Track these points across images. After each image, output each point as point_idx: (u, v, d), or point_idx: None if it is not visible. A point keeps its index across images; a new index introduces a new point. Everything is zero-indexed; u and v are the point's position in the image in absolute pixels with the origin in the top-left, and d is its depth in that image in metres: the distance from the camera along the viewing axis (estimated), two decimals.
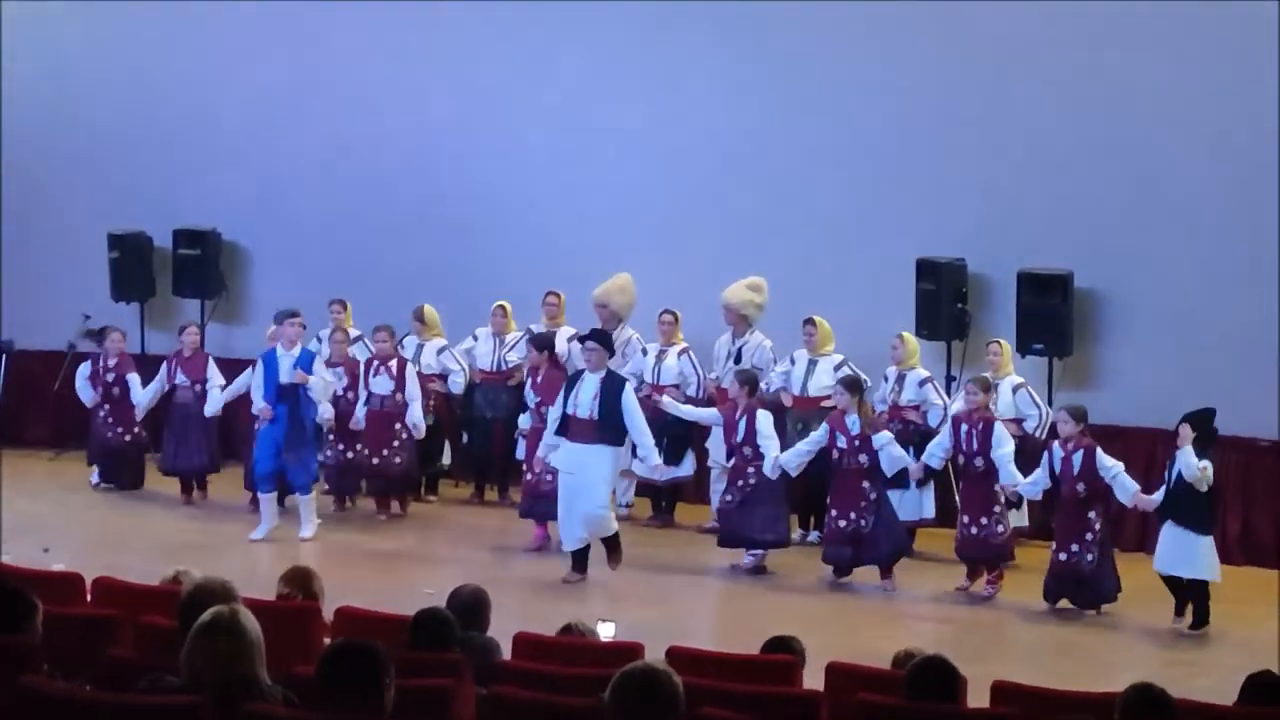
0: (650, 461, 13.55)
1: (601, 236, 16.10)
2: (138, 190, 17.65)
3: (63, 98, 17.82)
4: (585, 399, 12.91)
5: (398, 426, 14.87)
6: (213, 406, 15.20)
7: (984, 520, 13.10)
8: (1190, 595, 12.45)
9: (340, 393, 14.93)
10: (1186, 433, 12.37)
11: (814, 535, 14.50)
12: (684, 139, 16.10)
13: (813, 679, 8.06)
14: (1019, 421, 14.03)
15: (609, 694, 5.28)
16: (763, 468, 13.37)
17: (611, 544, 13.16)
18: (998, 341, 14.35)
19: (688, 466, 14.94)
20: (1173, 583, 12.52)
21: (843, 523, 13.23)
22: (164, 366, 15.53)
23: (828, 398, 14.36)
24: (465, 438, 15.67)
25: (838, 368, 14.57)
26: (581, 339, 13.61)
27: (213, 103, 17.58)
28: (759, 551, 13.65)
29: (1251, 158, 14.22)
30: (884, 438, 13.20)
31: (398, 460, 14.92)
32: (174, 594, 7.71)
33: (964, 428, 13.20)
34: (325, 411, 14.91)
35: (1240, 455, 14.28)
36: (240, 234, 17.68)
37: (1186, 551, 12.39)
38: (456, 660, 7.11)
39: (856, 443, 13.19)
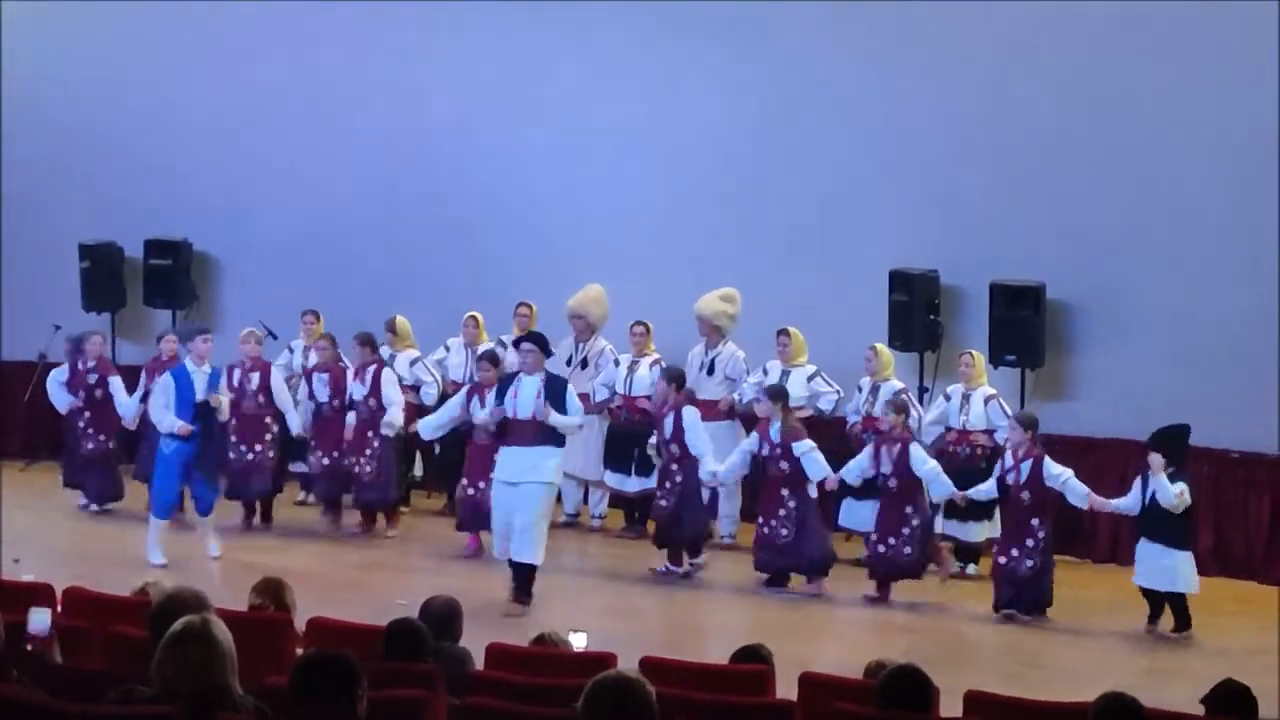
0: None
1: (570, 250, 16.10)
2: (109, 200, 17.61)
3: (32, 107, 17.76)
4: (526, 399, 12.52)
5: (370, 434, 14.79)
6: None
7: (892, 540, 13.16)
8: (1169, 604, 12.55)
9: (324, 400, 14.87)
10: (1158, 461, 12.43)
11: None
12: (658, 154, 16.12)
13: (786, 689, 8.06)
14: (990, 433, 14.06)
15: (581, 704, 5.26)
16: (699, 471, 13.51)
17: (524, 578, 12.49)
18: (970, 353, 14.39)
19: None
20: (1151, 594, 12.60)
21: (766, 529, 13.37)
22: (142, 375, 15.38)
23: (801, 408, 14.40)
24: (437, 449, 15.63)
25: (810, 378, 14.62)
26: (517, 341, 13.44)
27: (183, 113, 17.54)
28: (699, 560, 13.78)
29: (1227, 173, 14.28)
30: (804, 445, 13.31)
31: (369, 469, 14.77)
32: (144, 605, 7.69)
33: (881, 449, 13.27)
34: (296, 424, 14.89)
35: (1212, 467, 14.33)
36: (211, 244, 17.66)
37: (1164, 566, 12.49)
38: (429, 671, 7.09)
39: (779, 450, 13.30)
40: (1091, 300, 14.81)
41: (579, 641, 8.67)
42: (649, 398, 14.93)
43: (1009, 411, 14.17)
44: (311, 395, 14.99)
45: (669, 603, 13.32)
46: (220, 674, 5.52)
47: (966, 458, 13.95)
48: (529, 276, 15.98)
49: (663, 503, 13.71)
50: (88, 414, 15.43)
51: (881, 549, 13.20)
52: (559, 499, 14.98)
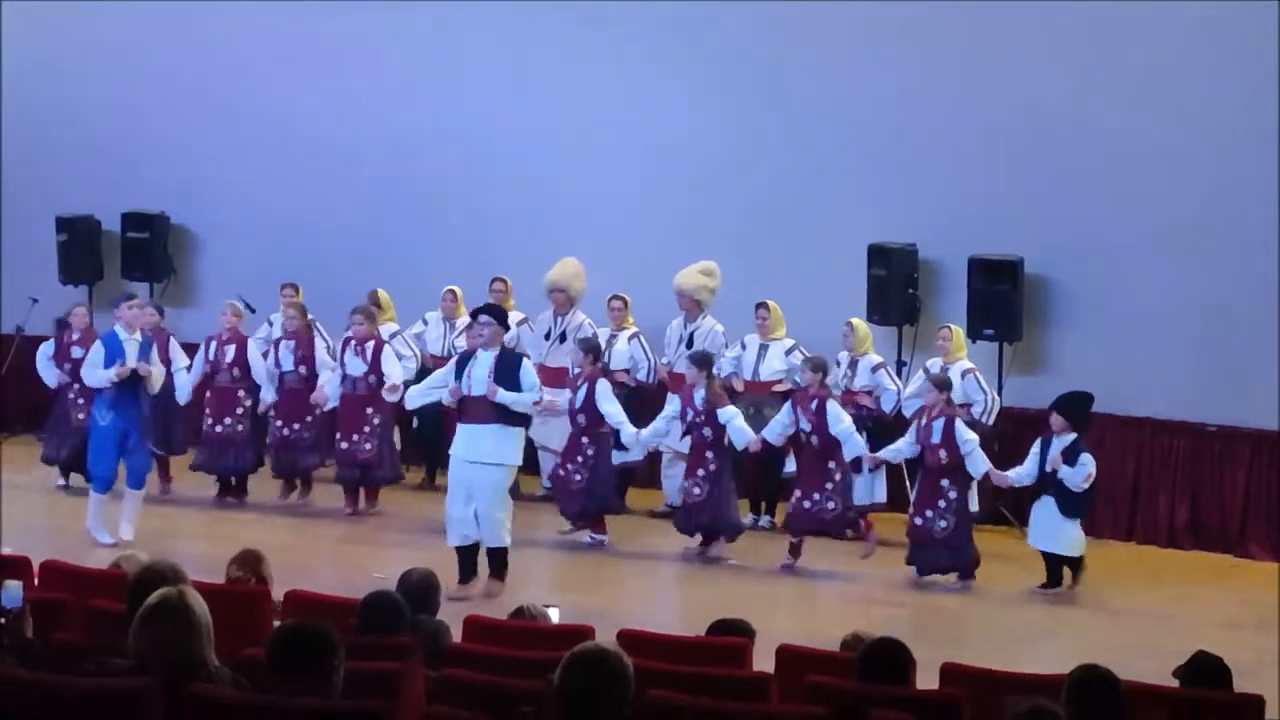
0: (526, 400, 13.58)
1: (548, 225, 16.08)
2: (86, 173, 17.53)
3: (8, 81, 17.66)
4: (480, 376, 12.24)
5: (369, 411, 14.57)
6: (183, 393, 14.92)
7: (816, 495, 13.26)
8: (1067, 564, 12.88)
9: (289, 368, 14.75)
10: (1059, 422, 12.75)
11: (765, 520, 14.56)
12: (636, 128, 16.08)
13: (763, 662, 8.07)
14: (968, 406, 14.09)
15: (558, 676, 5.27)
16: (621, 438, 13.65)
17: (499, 561, 12.20)
18: (948, 327, 14.42)
19: (637, 451, 14.90)
20: (1048, 555, 12.88)
21: (697, 491, 13.47)
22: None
23: (779, 382, 14.44)
24: (415, 423, 15.60)
25: (789, 352, 14.64)
26: (473, 314, 13.14)
27: (160, 86, 17.47)
28: (601, 537, 13.86)
29: (1203, 147, 14.31)
30: (729, 413, 13.42)
31: (367, 446, 14.52)
32: (122, 578, 7.68)
33: (798, 407, 13.38)
34: (268, 396, 14.82)
35: (1187, 441, 14.40)
36: (189, 218, 17.60)
37: (1057, 530, 12.78)
38: (406, 643, 7.10)
39: (702, 416, 13.41)
40: (1069, 275, 14.84)
41: (553, 616, 8.69)
42: (628, 371, 14.94)
43: (986, 386, 14.22)
44: (277, 363, 14.84)
45: (648, 576, 13.34)
46: (197, 645, 5.51)
47: None
48: (507, 251, 15.96)
49: (576, 476, 13.75)
50: (76, 386, 15.23)
51: (806, 505, 13.30)
52: (538, 471, 15.07)
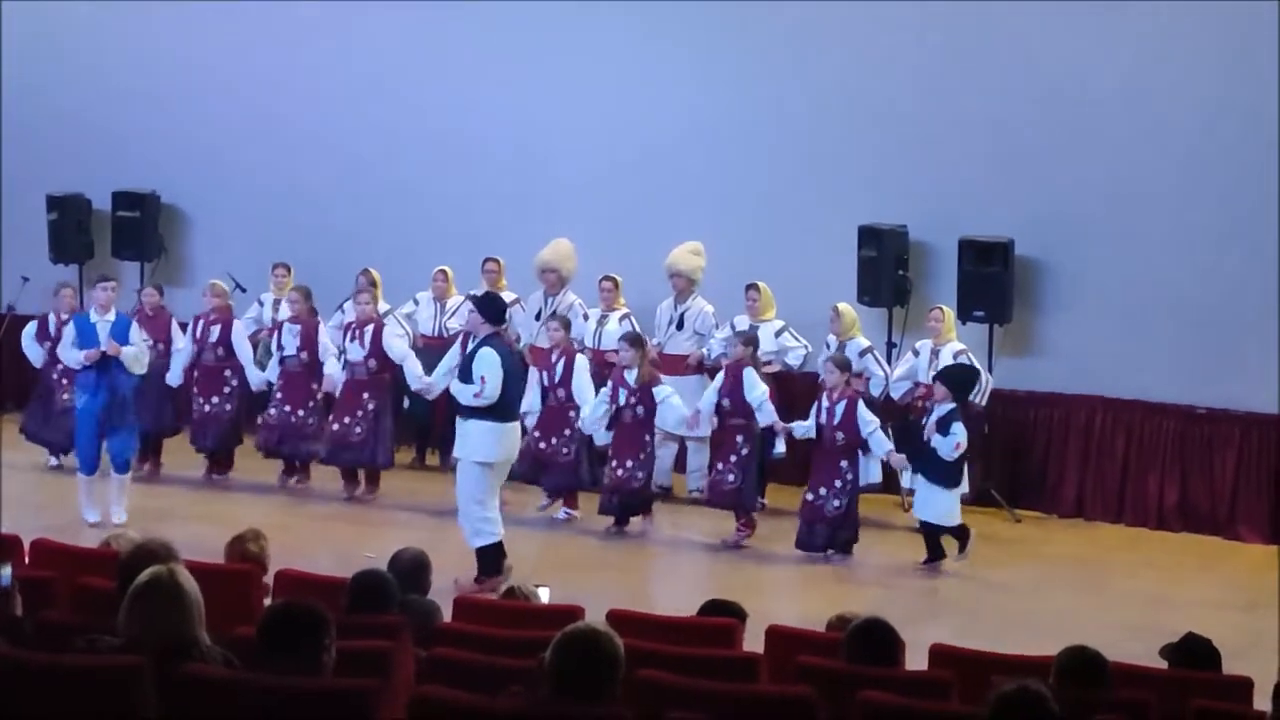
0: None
1: (539, 206, 16.06)
2: (77, 152, 17.50)
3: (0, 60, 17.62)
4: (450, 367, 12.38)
5: (365, 396, 14.47)
6: (174, 374, 14.93)
7: (720, 466, 13.45)
8: (952, 533, 12.96)
9: (292, 353, 14.64)
10: (942, 391, 12.92)
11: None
12: (628, 107, 16.06)
13: (753, 642, 8.09)
14: None
15: (549, 655, 5.29)
16: (580, 418, 13.72)
17: (482, 560, 11.87)
18: (939, 308, 14.42)
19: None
20: (926, 528, 12.99)
21: (620, 472, 13.56)
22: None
23: (770, 363, 14.42)
24: (406, 402, 15.60)
25: (779, 333, 14.64)
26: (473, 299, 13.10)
27: (151, 64, 17.43)
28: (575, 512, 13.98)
29: (1194, 129, 14.31)
30: (664, 391, 13.56)
31: (358, 430, 14.42)
32: (112, 557, 7.69)
33: (720, 378, 13.53)
34: (255, 378, 14.79)
35: (1176, 423, 14.42)
36: (180, 197, 17.57)
37: (931, 499, 12.89)
38: (396, 622, 7.11)
39: (635, 396, 13.51)
40: (1060, 256, 14.84)
41: (543, 596, 8.71)
42: (618, 351, 14.93)
43: (977, 366, 14.21)
44: (280, 346, 14.79)
45: (637, 556, 13.36)
46: (187, 624, 5.52)
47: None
48: (499, 231, 15.94)
49: (564, 450, 13.81)
50: (60, 366, 15.19)
51: (725, 481, 13.42)
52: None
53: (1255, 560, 13.65)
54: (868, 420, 13.01)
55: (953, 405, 12.94)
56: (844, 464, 13.03)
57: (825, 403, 13.15)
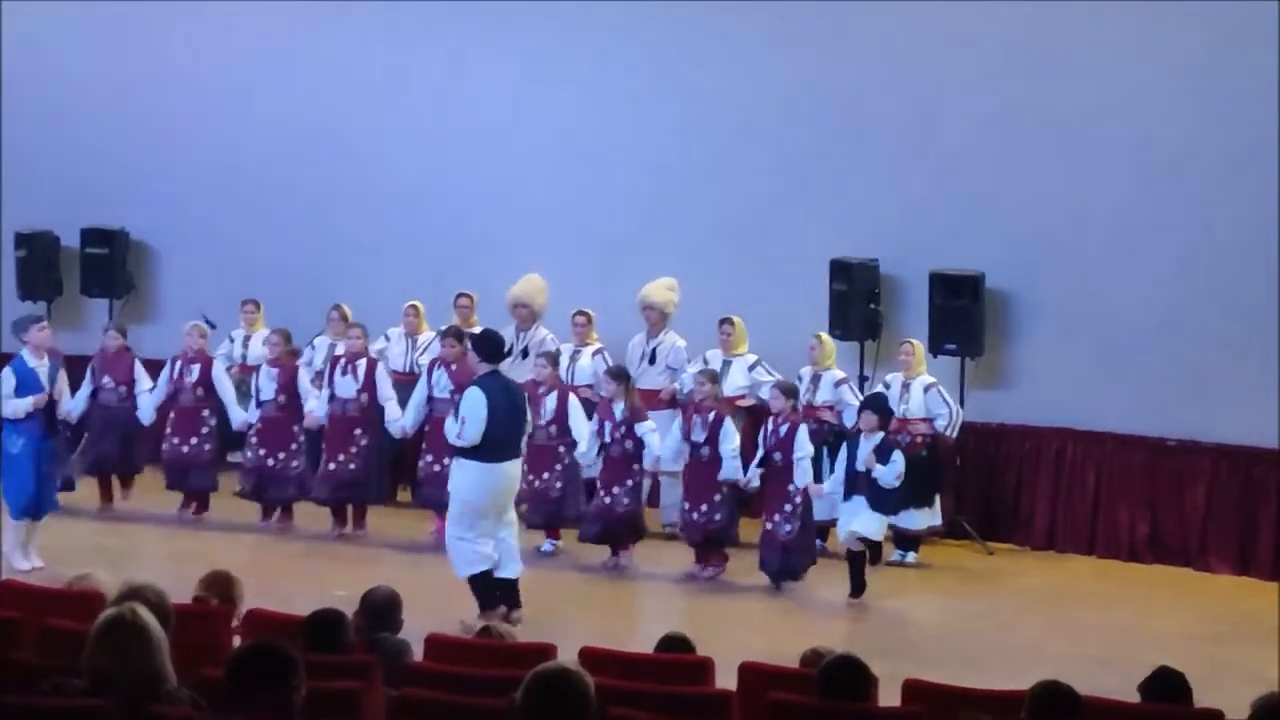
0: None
1: (510, 241, 16.07)
2: (45, 189, 17.45)
3: None
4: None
5: (358, 432, 14.41)
6: (146, 413, 14.82)
7: (704, 507, 13.38)
8: (869, 552, 12.88)
9: (269, 397, 14.55)
10: (870, 420, 12.92)
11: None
12: (598, 143, 16.10)
13: (725, 679, 8.07)
14: (930, 420, 14.13)
15: (520, 694, 5.26)
16: (575, 452, 13.74)
17: (477, 589, 11.77)
18: (910, 341, 14.44)
19: (591, 460, 14.76)
20: (855, 561, 12.88)
21: (607, 499, 13.60)
22: (89, 369, 15.13)
23: (743, 397, 14.43)
24: None
25: (751, 368, 14.64)
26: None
27: (120, 101, 17.42)
28: (557, 544, 14.02)
29: (1163, 164, 14.36)
30: (646, 427, 13.60)
31: (352, 467, 14.36)
32: (80, 597, 7.64)
33: (695, 418, 13.48)
34: (237, 418, 14.75)
35: (1147, 455, 14.45)
36: (149, 234, 17.54)
37: (865, 519, 12.79)
38: (367, 662, 7.07)
39: (621, 430, 13.55)
40: (1031, 290, 14.88)
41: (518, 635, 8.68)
42: (590, 386, 14.93)
43: (949, 399, 14.25)
44: (257, 389, 14.66)
45: (611, 592, 13.32)
46: (151, 662, 5.46)
47: (906, 446, 13.97)
48: (469, 267, 15.93)
49: (557, 484, 13.84)
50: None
51: (694, 516, 13.41)
52: None
53: (1225, 591, 13.68)
54: (801, 446, 13.01)
55: (883, 433, 12.93)
56: (791, 488, 13.02)
57: (771, 427, 13.19)
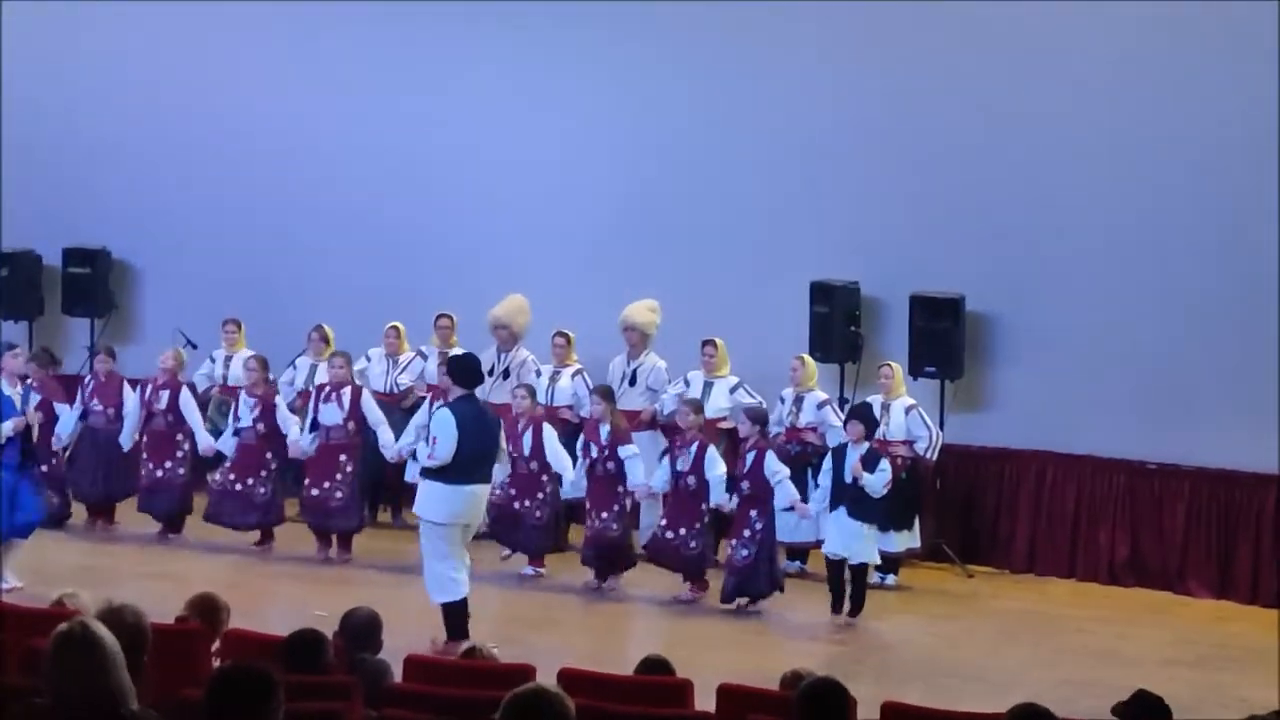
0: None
1: (490, 262, 16.08)
2: (27, 208, 17.43)
3: None
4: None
5: (343, 459, 14.40)
6: (125, 439, 14.84)
7: (682, 531, 13.38)
8: (853, 577, 12.84)
9: (249, 424, 14.51)
10: (857, 430, 12.97)
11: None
12: (579, 164, 16.12)
13: (704, 700, 8.08)
14: (909, 443, 14.16)
15: (499, 716, 5.26)
16: (561, 486, 13.76)
17: (446, 618, 11.71)
18: (889, 364, 14.48)
19: (581, 487, 14.84)
20: (835, 571, 12.88)
21: (597, 523, 13.62)
22: (79, 392, 15.10)
23: (724, 419, 14.44)
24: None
25: (733, 390, 14.65)
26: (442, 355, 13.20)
27: (102, 120, 17.43)
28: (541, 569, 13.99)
29: (1144, 182, 14.42)
30: (629, 450, 13.59)
31: (338, 495, 14.33)
32: (62, 618, 7.60)
33: (680, 450, 13.47)
34: (204, 442, 14.69)
35: (1127, 478, 14.48)
36: (131, 253, 17.53)
37: (854, 538, 12.81)
38: (346, 683, 7.07)
39: (607, 451, 13.58)
40: (1011, 312, 14.92)
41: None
42: (570, 408, 14.94)
43: (929, 422, 14.28)
44: (236, 417, 14.66)
45: (590, 614, 13.32)
46: (106, 678, 5.38)
47: None
48: (450, 287, 15.94)
49: (537, 513, 13.83)
50: None
51: (669, 535, 13.42)
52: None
53: (1205, 614, 13.71)
54: (775, 470, 13.02)
55: (868, 443, 12.97)
56: (753, 513, 13.01)
57: (740, 453, 13.23)
